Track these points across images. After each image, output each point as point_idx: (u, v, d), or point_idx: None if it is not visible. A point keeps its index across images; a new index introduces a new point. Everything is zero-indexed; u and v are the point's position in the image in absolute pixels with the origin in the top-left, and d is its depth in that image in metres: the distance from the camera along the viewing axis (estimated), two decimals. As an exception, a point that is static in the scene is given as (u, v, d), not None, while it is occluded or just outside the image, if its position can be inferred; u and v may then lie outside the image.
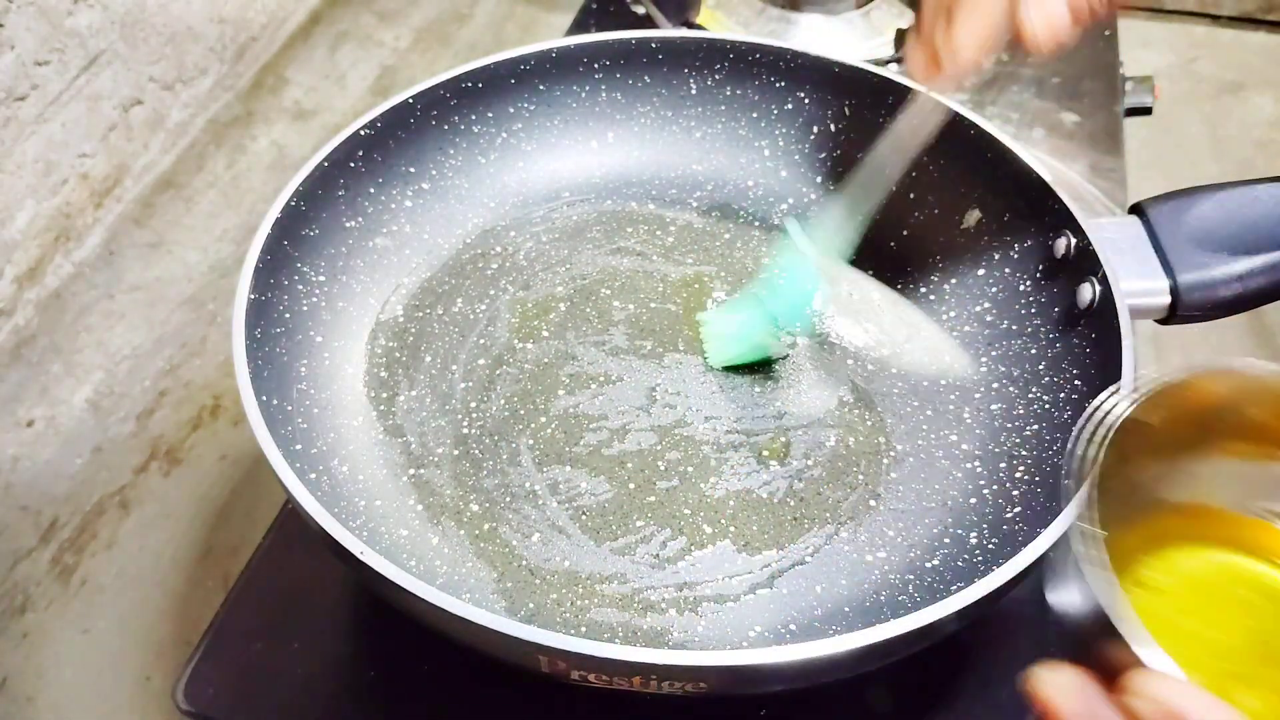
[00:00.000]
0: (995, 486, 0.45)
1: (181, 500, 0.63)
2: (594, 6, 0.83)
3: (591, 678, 0.34)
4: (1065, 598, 0.31)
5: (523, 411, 0.48)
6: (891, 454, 0.47)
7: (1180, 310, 0.45)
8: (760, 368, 0.51)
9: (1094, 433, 0.33)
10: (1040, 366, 0.47)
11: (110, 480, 0.64)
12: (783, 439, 0.48)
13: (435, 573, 0.42)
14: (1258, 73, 1.08)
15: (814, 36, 0.76)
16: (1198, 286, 0.45)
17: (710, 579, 0.42)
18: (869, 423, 0.48)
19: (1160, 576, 0.36)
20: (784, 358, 0.51)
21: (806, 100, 0.58)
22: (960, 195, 0.53)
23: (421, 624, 0.36)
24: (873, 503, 0.45)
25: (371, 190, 0.53)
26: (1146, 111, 0.76)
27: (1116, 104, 0.74)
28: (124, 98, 0.73)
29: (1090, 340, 0.45)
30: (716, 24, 0.78)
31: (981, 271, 0.52)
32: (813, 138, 0.58)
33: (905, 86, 0.54)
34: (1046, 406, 0.46)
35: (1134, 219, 0.47)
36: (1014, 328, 0.49)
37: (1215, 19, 1.15)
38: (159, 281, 0.74)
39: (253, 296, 0.44)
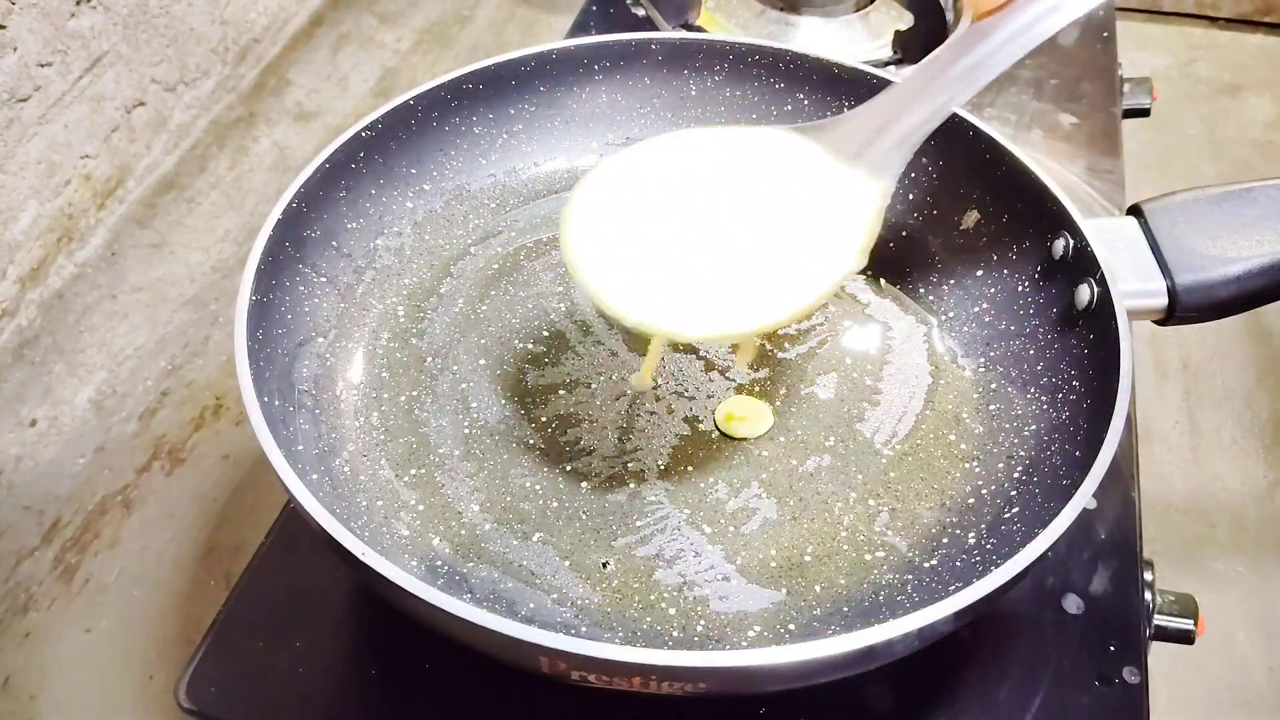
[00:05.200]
0: (994, 486, 0.45)
1: (184, 500, 0.64)
2: (594, 8, 0.83)
3: (591, 678, 0.34)
4: None
5: (523, 411, 0.49)
6: (890, 454, 0.47)
7: (1178, 311, 0.45)
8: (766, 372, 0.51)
9: None
10: (1039, 367, 0.47)
11: (113, 480, 0.64)
12: (782, 438, 0.48)
13: (435, 573, 0.42)
14: (1255, 74, 1.08)
15: (813, 38, 0.77)
16: (1195, 288, 0.45)
17: (710, 579, 0.43)
18: (867, 422, 0.48)
19: None
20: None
21: (806, 101, 0.58)
22: (959, 196, 0.54)
23: (422, 624, 0.36)
24: (871, 502, 0.45)
25: (373, 191, 0.53)
26: (1144, 113, 0.76)
27: (1114, 105, 0.74)
28: (126, 99, 0.73)
29: (1088, 341, 0.45)
30: (716, 26, 0.78)
31: (980, 272, 0.52)
32: (812, 139, 0.58)
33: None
34: (1045, 407, 0.46)
35: (1132, 220, 0.47)
36: (1012, 328, 0.50)
37: (1213, 21, 1.16)
38: (161, 282, 0.74)
39: (254, 297, 0.44)
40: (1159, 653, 0.48)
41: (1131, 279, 0.45)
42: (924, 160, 0.55)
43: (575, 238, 0.42)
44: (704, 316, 0.41)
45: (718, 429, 0.48)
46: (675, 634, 0.41)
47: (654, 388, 0.50)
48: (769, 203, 0.43)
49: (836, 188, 0.43)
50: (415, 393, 0.49)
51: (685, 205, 0.43)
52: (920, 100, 0.43)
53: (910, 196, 0.56)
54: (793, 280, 0.42)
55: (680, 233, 0.42)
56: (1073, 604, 0.47)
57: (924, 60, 0.43)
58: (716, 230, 0.42)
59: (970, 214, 0.53)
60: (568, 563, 0.43)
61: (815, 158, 0.44)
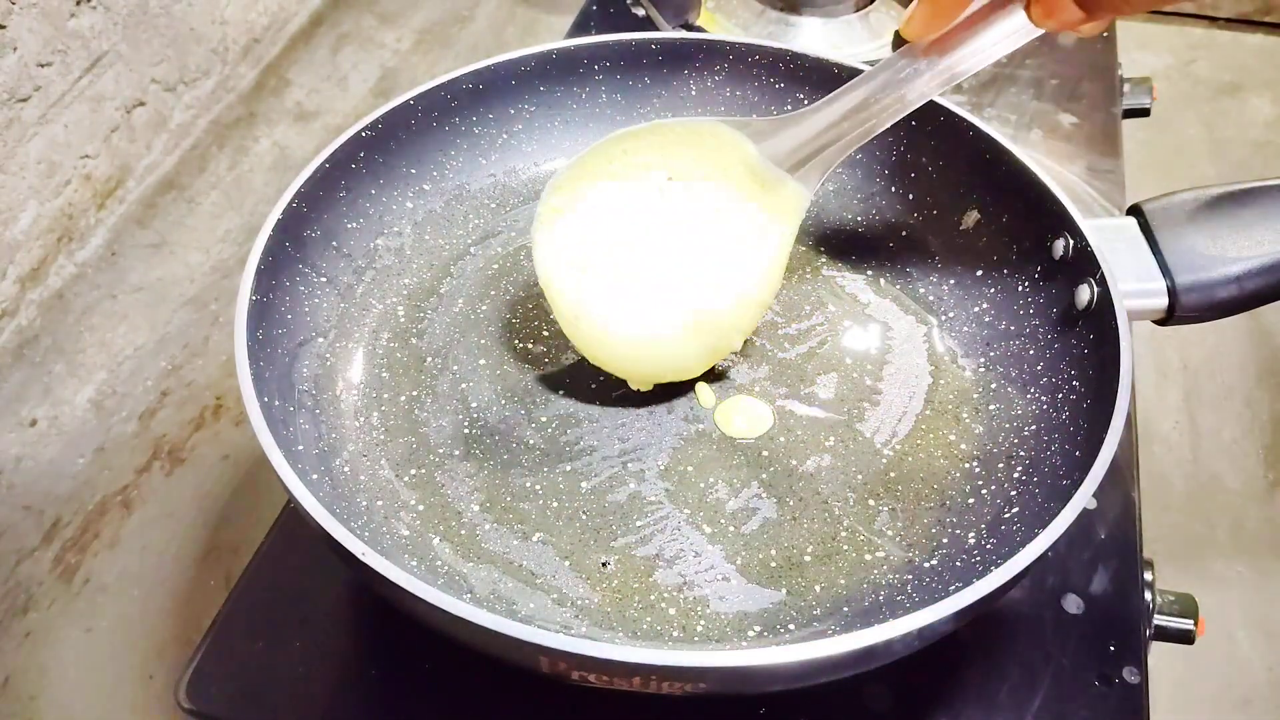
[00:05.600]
0: (994, 486, 0.45)
1: (184, 500, 0.64)
2: (594, 8, 0.83)
3: (592, 678, 0.34)
4: None
5: (524, 411, 0.49)
6: (890, 454, 0.47)
7: (1178, 312, 0.45)
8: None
9: None
10: (1039, 367, 0.47)
11: (113, 480, 0.64)
12: (782, 438, 0.48)
13: (435, 573, 0.42)
14: (1255, 74, 1.08)
15: (813, 39, 0.77)
16: (1195, 288, 0.45)
17: (710, 579, 0.43)
18: (867, 422, 0.48)
19: None
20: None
21: (806, 102, 0.58)
22: (959, 196, 0.54)
23: (422, 624, 0.36)
24: (871, 502, 0.45)
25: (373, 191, 0.53)
26: (1144, 113, 0.76)
27: (1114, 105, 0.74)
28: (126, 99, 0.73)
29: (1088, 341, 0.45)
30: (716, 26, 0.78)
31: (980, 272, 0.52)
32: (812, 139, 0.58)
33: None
34: (1045, 407, 0.46)
35: (1132, 220, 0.47)
36: (1012, 328, 0.50)
37: (1213, 20, 1.16)
38: (161, 282, 0.74)
39: (254, 297, 0.44)
40: (1159, 653, 0.48)
41: (1131, 279, 0.45)
42: (924, 160, 0.55)
43: (548, 268, 0.46)
44: (660, 364, 0.47)
45: (718, 429, 0.48)
46: (675, 634, 0.41)
47: (653, 388, 0.50)
48: (705, 226, 0.46)
49: (768, 201, 0.46)
50: (415, 393, 0.49)
51: (634, 231, 0.46)
52: (858, 120, 0.44)
53: (910, 196, 0.56)
54: (730, 311, 0.46)
55: (631, 262, 0.46)
56: (1073, 604, 0.47)
57: (865, 76, 0.44)
58: (661, 260, 0.46)
59: (970, 214, 0.53)
60: (568, 563, 0.43)
61: (753, 165, 0.46)
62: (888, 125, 0.44)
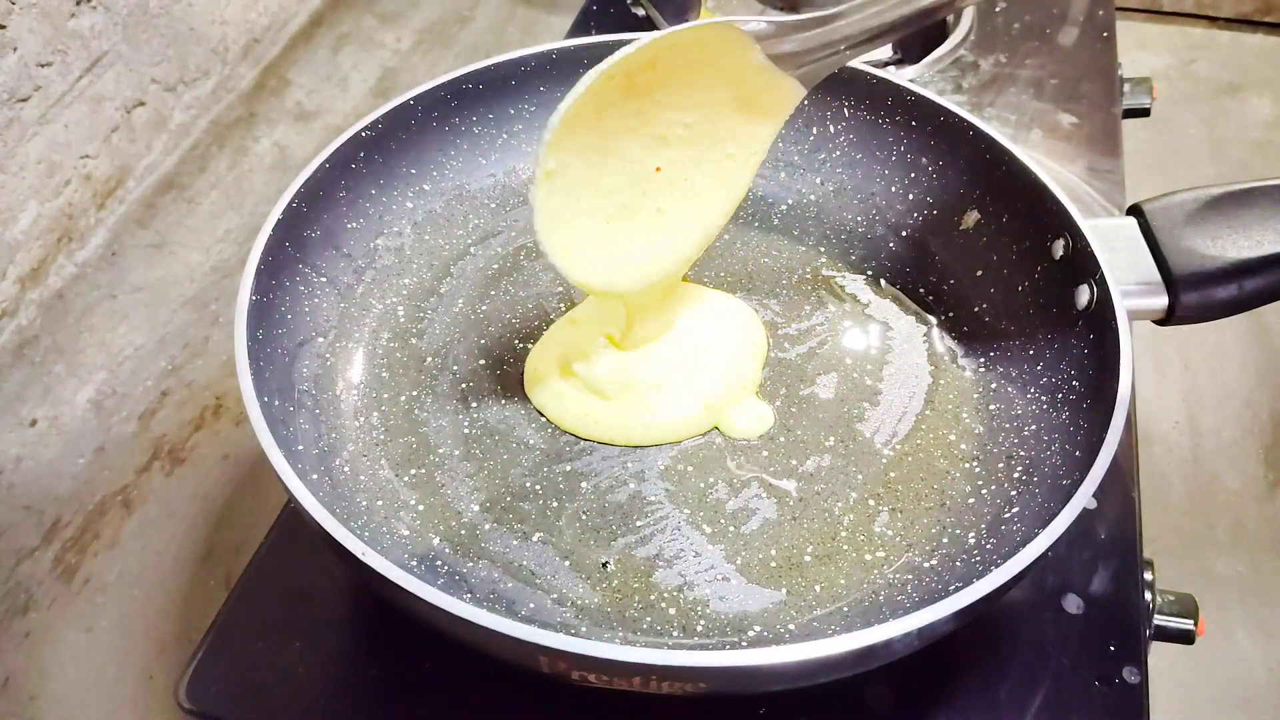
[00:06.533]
0: (994, 486, 0.45)
1: (184, 500, 0.63)
2: (594, 8, 0.83)
3: (592, 678, 0.34)
4: None
5: (523, 412, 0.49)
6: (890, 454, 0.47)
7: (1178, 312, 0.45)
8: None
9: None
10: (1038, 367, 0.47)
11: (113, 480, 0.64)
12: (782, 438, 0.48)
13: (436, 573, 0.42)
14: (1255, 74, 1.08)
15: (814, 38, 0.76)
16: (1195, 288, 0.45)
17: (710, 579, 0.43)
18: (867, 422, 0.48)
19: None
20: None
21: (805, 101, 0.58)
22: (959, 196, 0.54)
23: (422, 624, 0.36)
24: (871, 502, 0.45)
25: (373, 191, 0.53)
26: (1144, 113, 0.76)
27: (1114, 105, 0.74)
28: (126, 99, 0.73)
29: (1088, 341, 0.45)
30: (716, 25, 0.78)
31: (980, 272, 0.52)
32: (812, 139, 0.58)
33: (903, 88, 0.54)
34: (1045, 407, 0.46)
35: (1131, 220, 0.47)
36: (1012, 328, 0.50)
37: (1213, 20, 1.15)
38: (161, 282, 0.74)
39: (254, 297, 0.44)
40: (1159, 653, 0.48)
41: (1131, 279, 0.45)
42: (924, 160, 0.55)
43: (543, 213, 0.44)
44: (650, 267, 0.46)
45: (718, 429, 0.48)
46: (675, 634, 0.41)
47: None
48: (696, 196, 0.46)
49: (756, 106, 0.45)
50: (415, 393, 0.49)
51: (635, 154, 0.45)
52: (864, 21, 0.43)
53: (910, 196, 0.56)
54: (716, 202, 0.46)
55: (631, 194, 0.45)
56: (1073, 604, 0.47)
57: None
58: (651, 224, 0.46)
59: (970, 214, 0.53)
60: (568, 563, 0.43)
61: (750, 69, 0.44)
62: (895, 34, 0.43)
